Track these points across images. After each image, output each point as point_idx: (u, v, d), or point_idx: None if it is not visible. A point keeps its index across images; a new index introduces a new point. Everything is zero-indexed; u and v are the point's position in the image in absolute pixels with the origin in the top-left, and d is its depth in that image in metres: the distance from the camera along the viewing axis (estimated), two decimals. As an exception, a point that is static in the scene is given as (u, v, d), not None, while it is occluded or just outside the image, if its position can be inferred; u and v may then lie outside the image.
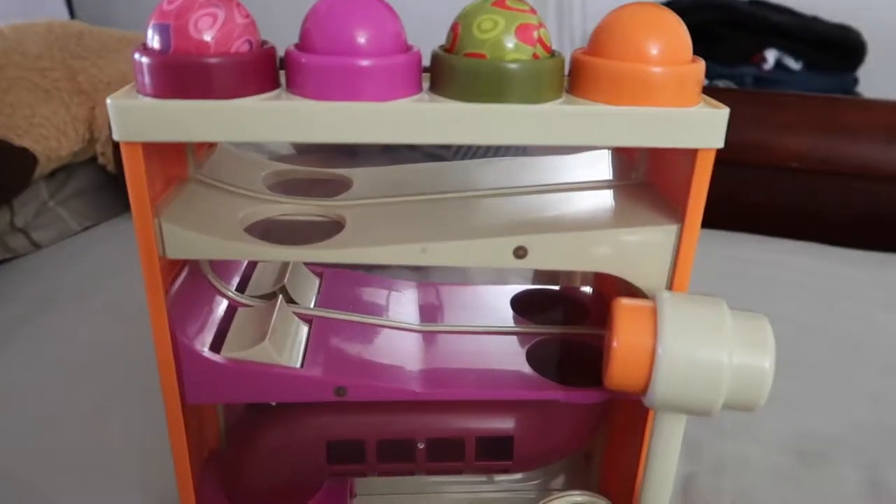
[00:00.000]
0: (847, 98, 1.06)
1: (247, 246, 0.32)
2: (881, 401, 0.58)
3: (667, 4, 1.14)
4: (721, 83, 1.14)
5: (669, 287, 0.33)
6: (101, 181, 0.88)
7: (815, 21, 1.16)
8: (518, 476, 0.47)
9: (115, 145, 0.83)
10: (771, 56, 1.15)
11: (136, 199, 0.30)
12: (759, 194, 0.93)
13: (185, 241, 0.31)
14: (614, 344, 0.30)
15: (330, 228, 0.34)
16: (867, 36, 1.13)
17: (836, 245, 0.84)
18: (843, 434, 0.54)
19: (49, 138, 0.79)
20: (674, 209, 0.33)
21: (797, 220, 0.90)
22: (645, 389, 0.30)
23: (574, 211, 0.35)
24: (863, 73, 1.17)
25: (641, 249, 0.32)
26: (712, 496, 0.48)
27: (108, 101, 0.28)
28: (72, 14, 1.70)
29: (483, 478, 0.47)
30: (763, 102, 0.95)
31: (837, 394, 0.59)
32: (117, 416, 0.53)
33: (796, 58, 1.16)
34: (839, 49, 1.15)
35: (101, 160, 0.85)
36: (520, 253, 0.32)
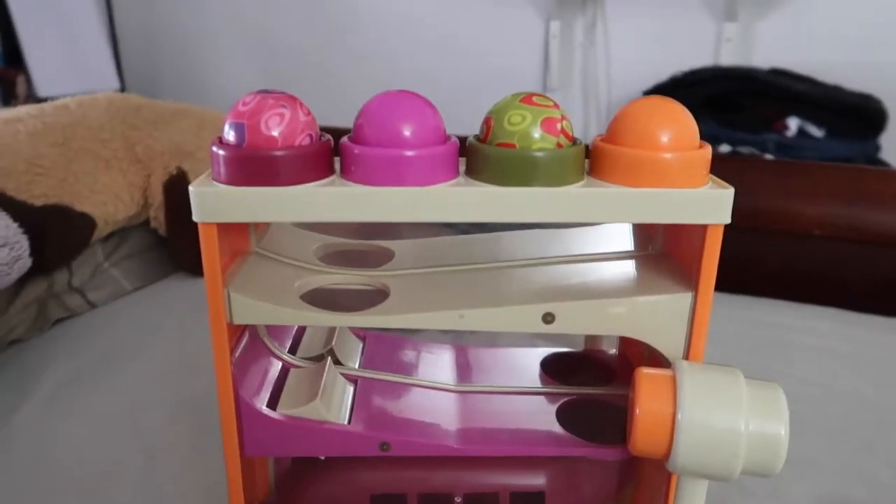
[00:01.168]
0: (869, 168, 1.09)
1: (303, 313, 0.36)
2: (908, 464, 0.59)
3: (690, 74, 1.20)
4: (744, 150, 1.17)
5: (687, 349, 0.36)
6: (152, 243, 0.93)
7: (836, 89, 1.19)
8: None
9: (167, 210, 0.90)
10: (793, 123, 1.19)
11: (209, 271, 0.34)
12: (781, 260, 0.95)
13: (250, 309, 0.35)
14: (637, 411, 0.33)
15: (375, 296, 0.38)
16: (889, 104, 1.16)
17: (860, 311, 0.86)
18: (869, 498, 0.55)
19: (107, 204, 0.85)
20: (689, 278, 0.36)
21: (820, 287, 0.92)
22: (668, 455, 0.33)
23: (597, 280, 0.38)
24: (886, 139, 1.19)
25: (658, 315, 0.35)
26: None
27: (190, 188, 0.33)
28: (122, 80, 1.82)
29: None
30: (785, 170, 0.98)
31: (864, 457, 0.60)
32: (170, 468, 0.56)
33: (819, 125, 1.19)
34: (861, 116, 1.18)
35: (153, 224, 0.91)
36: (548, 319, 0.35)
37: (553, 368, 0.46)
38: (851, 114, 1.18)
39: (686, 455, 0.32)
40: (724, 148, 1.15)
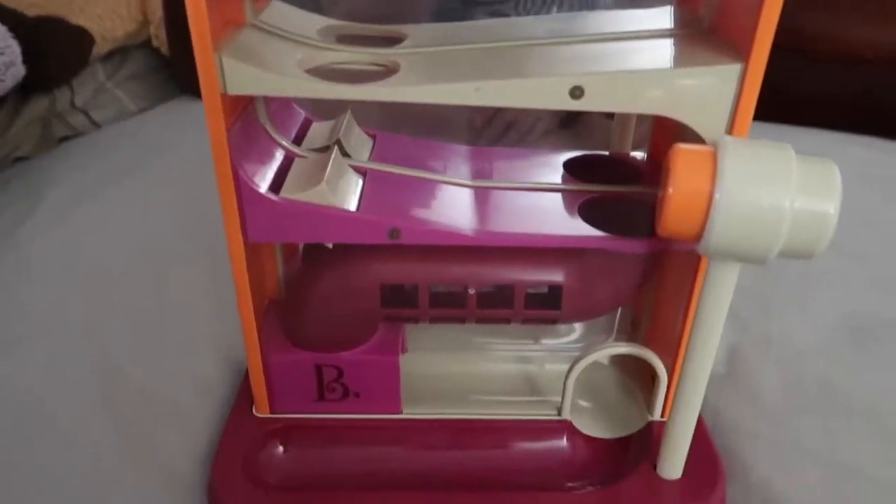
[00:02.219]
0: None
1: (307, 83, 0.32)
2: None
3: None
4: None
5: (730, 132, 0.32)
6: (156, 65, 0.89)
7: None
8: (564, 339, 0.49)
9: (167, 26, 0.84)
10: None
11: (197, 32, 0.30)
12: (825, 87, 0.89)
13: (246, 77, 0.32)
14: (670, 190, 0.30)
15: (385, 75, 0.34)
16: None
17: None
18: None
19: (104, 18, 0.80)
20: (737, 52, 0.32)
21: (865, 116, 0.86)
22: (699, 236, 0.30)
23: (632, 55, 0.34)
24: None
25: (700, 91, 0.31)
26: (757, 365, 0.48)
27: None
28: None
29: (530, 339, 0.48)
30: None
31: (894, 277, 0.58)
32: (181, 274, 0.55)
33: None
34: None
35: (154, 42, 0.86)
36: (576, 93, 0.32)
37: (577, 170, 0.43)
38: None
39: (722, 234, 0.29)
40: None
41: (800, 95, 0.87)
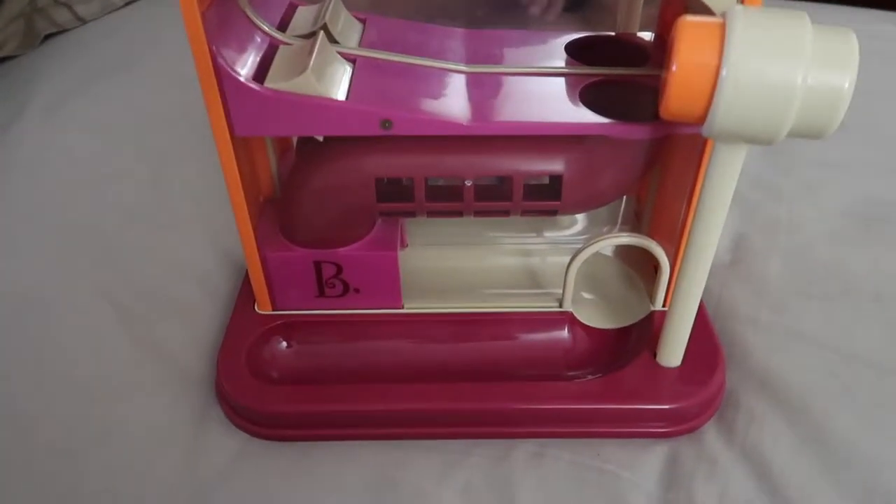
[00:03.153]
0: None
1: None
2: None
3: None
4: None
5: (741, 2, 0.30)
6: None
7: None
8: (566, 231, 0.48)
9: None
10: None
11: None
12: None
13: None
14: (674, 66, 0.28)
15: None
16: None
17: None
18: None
19: None
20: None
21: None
22: (704, 117, 0.29)
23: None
24: None
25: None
26: (763, 251, 0.47)
27: None
28: None
29: (532, 231, 0.48)
30: None
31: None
32: (175, 169, 0.54)
33: None
34: None
35: (135, -72, 0.81)
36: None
37: (580, 52, 0.40)
38: None
39: (728, 113, 0.27)
40: None
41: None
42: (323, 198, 0.38)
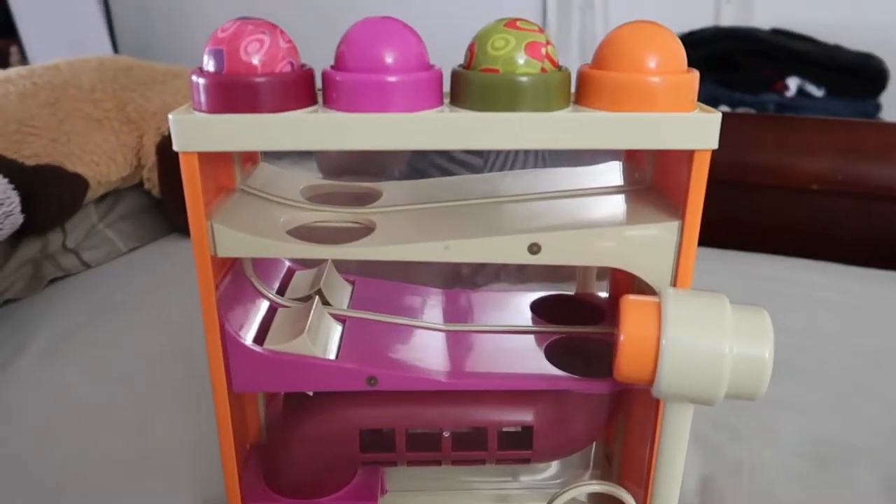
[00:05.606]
0: (866, 121, 1.08)
1: (289, 245, 0.35)
2: (899, 408, 0.59)
3: (689, 35, 1.19)
4: (742, 110, 1.16)
5: (674, 281, 0.35)
6: (147, 205, 0.93)
7: (836, 49, 1.18)
8: (542, 475, 0.50)
9: (160, 171, 0.89)
10: (793, 83, 1.17)
11: (191, 202, 0.34)
12: (779, 216, 0.95)
13: (234, 241, 0.35)
14: (622, 337, 0.33)
15: (362, 232, 0.38)
16: (890, 63, 1.15)
17: (855, 265, 0.85)
18: (861, 439, 0.55)
19: (100, 164, 0.85)
20: (676, 209, 0.36)
21: (817, 242, 0.91)
22: (652, 380, 0.33)
23: (584, 212, 0.38)
24: (886, 98, 1.18)
25: (645, 245, 0.35)
26: (729, 494, 0.49)
27: (170, 116, 0.32)
28: (115, 48, 1.81)
29: (508, 476, 0.49)
30: (783, 126, 0.97)
31: (856, 401, 0.60)
32: (164, 415, 0.56)
33: (818, 85, 1.18)
34: (861, 76, 1.16)
35: (146, 185, 0.91)
36: (534, 249, 0.35)
37: (543, 310, 0.46)
38: (851, 73, 1.16)
39: (670, 379, 0.31)
40: (724, 109, 1.14)
41: (763, 225, 0.93)
42: (309, 447, 0.40)
